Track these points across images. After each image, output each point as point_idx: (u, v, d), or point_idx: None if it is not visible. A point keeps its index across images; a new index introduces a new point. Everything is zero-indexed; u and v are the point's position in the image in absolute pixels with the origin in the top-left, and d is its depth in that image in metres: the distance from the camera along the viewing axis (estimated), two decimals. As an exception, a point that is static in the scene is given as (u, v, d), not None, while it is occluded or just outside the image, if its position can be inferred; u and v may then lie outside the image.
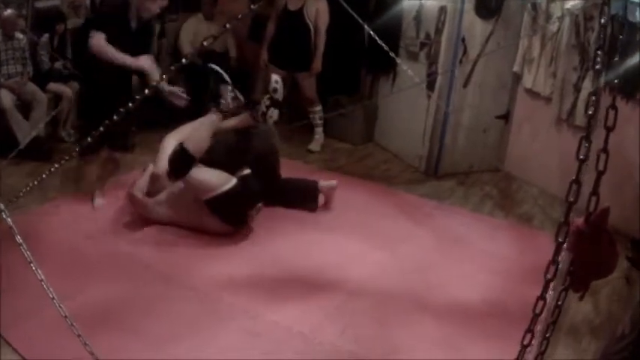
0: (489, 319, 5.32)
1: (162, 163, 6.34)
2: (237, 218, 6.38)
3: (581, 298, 2.83)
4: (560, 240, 2.45)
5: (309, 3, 8.84)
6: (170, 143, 6.46)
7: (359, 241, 6.53)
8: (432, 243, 6.74)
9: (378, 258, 6.26)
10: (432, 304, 5.52)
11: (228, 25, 4.75)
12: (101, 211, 6.69)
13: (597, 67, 2.52)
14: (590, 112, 2.41)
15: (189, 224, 6.36)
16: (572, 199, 2.43)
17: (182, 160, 6.07)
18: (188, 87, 9.49)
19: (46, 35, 8.88)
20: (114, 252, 5.91)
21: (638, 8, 7.09)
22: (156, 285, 5.38)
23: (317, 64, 9.01)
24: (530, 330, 2.55)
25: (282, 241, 6.41)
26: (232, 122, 6.53)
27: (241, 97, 6.49)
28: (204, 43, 2.93)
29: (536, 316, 2.54)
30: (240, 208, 6.35)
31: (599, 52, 2.40)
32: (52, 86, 8.70)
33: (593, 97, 2.40)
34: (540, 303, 2.53)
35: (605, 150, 2.42)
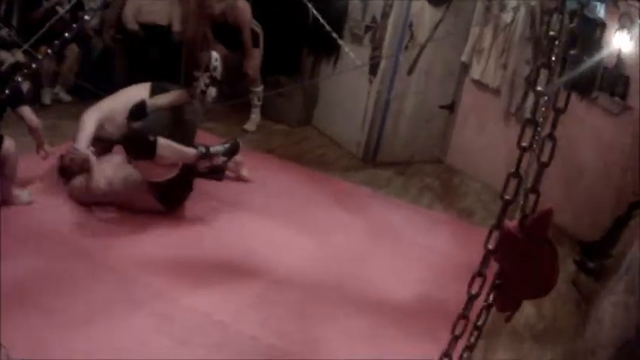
0: (419, 316, 5.19)
1: (83, 142, 6.01)
2: (176, 200, 6.18)
3: (507, 320, 2.51)
4: (489, 247, 2.08)
5: (228, 7, 8.66)
6: (90, 119, 6.14)
7: (289, 228, 6.28)
8: (366, 234, 6.53)
9: (307, 247, 6.04)
10: (359, 298, 5.32)
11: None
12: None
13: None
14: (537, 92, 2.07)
15: (117, 202, 6.03)
16: (508, 197, 2.05)
17: (144, 144, 5.72)
18: (128, 59, 9.20)
19: (-8, 1, 8.46)
20: (29, 224, 5.52)
21: (599, 4, 6.97)
22: (73, 262, 5.04)
23: (250, 65, 8.85)
24: (447, 354, 2.18)
25: (210, 224, 6.14)
26: (168, 98, 6.27)
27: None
28: None
29: (455, 339, 2.17)
30: (181, 190, 6.16)
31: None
32: (-5, 53, 8.27)
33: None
34: (461, 322, 2.17)
35: (551, 136, 2.05)
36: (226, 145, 6.21)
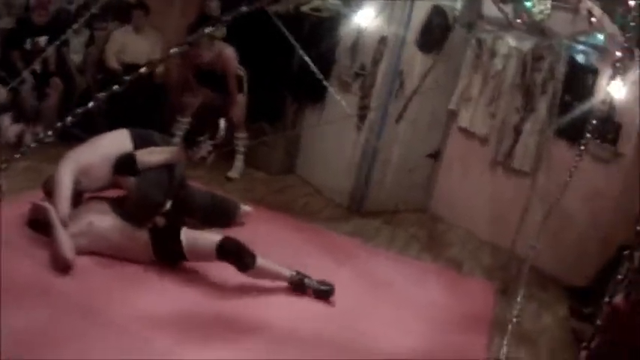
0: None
1: (64, 203, 5.69)
2: (173, 256, 5.92)
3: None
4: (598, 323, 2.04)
5: (215, 56, 8.53)
6: (67, 174, 5.80)
7: (282, 282, 6.05)
8: (358, 286, 6.41)
9: (302, 300, 5.89)
10: (358, 352, 5.25)
11: (173, 50, 4.19)
12: (8, 227, 5.80)
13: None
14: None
15: (112, 253, 5.78)
16: (621, 276, 2.03)
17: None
18: (108, 100, 8.99)
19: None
20: (23, 276, 5.22)
21: (591, 51, 7.01)
22: (71, 316, 4.80)
23: (235, 111, 8.66)
24: None
25: (203, 278, 5.90)
26: (162, 157, 6.03)
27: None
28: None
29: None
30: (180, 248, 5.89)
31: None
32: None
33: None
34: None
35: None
36: (320, 286, 5.99)
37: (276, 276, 5.94)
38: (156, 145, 6.13)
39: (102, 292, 5.27)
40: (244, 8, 3.65)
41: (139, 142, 6.07)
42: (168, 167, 6.08)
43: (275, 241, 6.88)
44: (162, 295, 5.44)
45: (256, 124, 9.31)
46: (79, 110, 3.56)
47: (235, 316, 5.38)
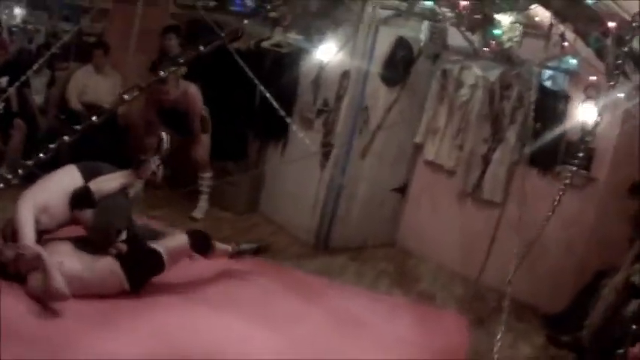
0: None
1: (30, 237, 5.56)
2: (152, 272, 5.94)
3: None
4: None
5: (180, 94, 8.41)
6: (27, 210, 5.69)
7: (249, 322, 5.93)
8: (329, 325, 6.26)
9: (272, 341, 5.71)
10: None
11: (126, 97, 4.09)
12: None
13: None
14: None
15: (83, 292, 5.54)
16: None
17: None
18: (73, 140, 8.86)
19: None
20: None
21: (562, 76, 6.97)
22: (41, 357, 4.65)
23: (198, 151, 8.65)
24: None
25: (169, 316, 5.74)
26: (115, 183, 5.98)
27: None
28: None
29: None
30: (151, 268, 5.93)
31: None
32: None
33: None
34: None
35: None
36: (254, 246, 6.86)
37: (223, 253, 6.55)
38: (103, 175, 6.10)
39: (71, 332, 5.10)
40: (202, 48, 3.57)
41: (88, 175, 6.03)
42: (122, 192, 6.06)
43: (243, 280, 6.84)
44: (131, 335, 5.26)
45: (220, 162, 9.19)
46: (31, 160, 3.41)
47: (200, 356, 5.23)
